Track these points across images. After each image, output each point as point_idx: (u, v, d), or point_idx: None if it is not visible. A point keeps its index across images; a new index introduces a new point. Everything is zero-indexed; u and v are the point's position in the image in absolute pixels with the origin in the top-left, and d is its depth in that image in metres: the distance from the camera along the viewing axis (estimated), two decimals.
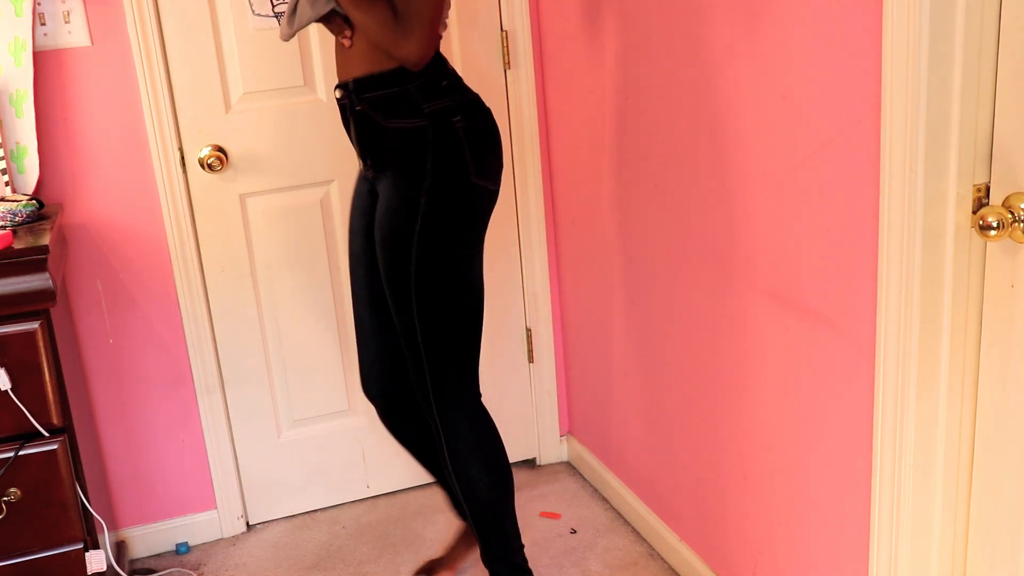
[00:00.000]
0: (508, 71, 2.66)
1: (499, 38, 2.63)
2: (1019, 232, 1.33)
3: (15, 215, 2.07)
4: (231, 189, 2.51)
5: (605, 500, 2.71)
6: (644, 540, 2.50)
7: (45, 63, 2.29)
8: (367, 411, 2.64)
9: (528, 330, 2.85)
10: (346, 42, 1.87)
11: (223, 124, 2.47)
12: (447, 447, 1.97)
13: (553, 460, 2.95)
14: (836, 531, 1.73)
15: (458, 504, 2.21)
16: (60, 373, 1.93)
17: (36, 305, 1.87)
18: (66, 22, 2.29)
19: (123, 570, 2.37)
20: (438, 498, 2.76)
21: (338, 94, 1.94)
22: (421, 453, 2.19)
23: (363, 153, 1.96)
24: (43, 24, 2.27)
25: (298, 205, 2.56)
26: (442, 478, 2.22)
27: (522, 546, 2.11)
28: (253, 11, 2.43)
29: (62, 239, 2.21)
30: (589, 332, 2.67)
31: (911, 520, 1.53)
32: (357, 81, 1.88)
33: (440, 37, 1.86)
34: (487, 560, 2.10)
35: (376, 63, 1.85)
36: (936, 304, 1.44)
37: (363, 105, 1.88)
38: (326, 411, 2.73)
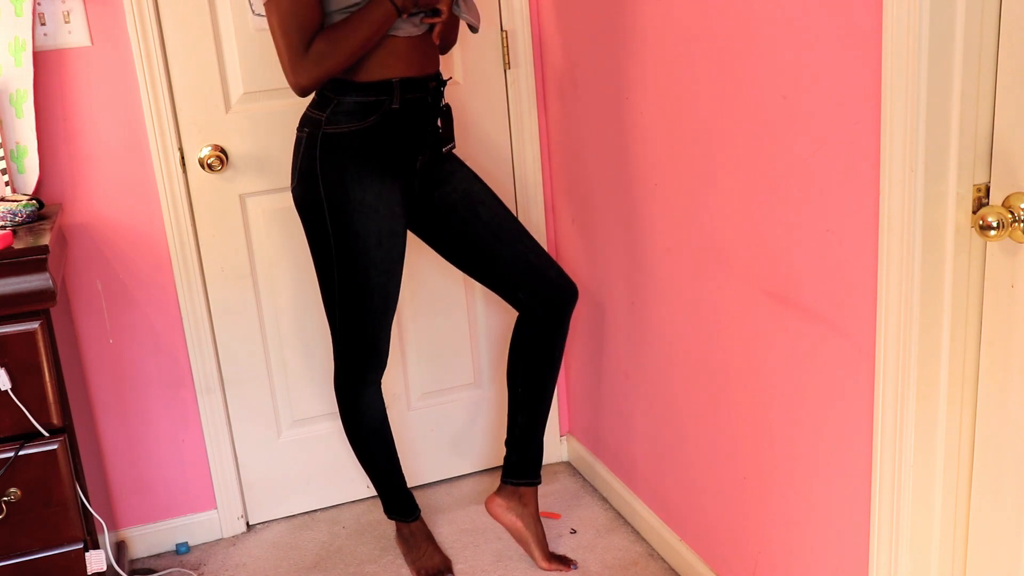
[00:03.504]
0: (508, 71, 2.66)
1: (499, 38, 2.63)
2: (1019, 232, 1.33)
3: (15, 215, 2.07)
4: (231, 189, 2.51)
5: (605, 500, 2.71)
6: (644, 540, 2.50)
7: (45, 63, 2.29)
8: None
9: None
10: (436, 39, 2.06)
11: (223, 124, 2.47)
12: (564, 335, 2.31)
13: (553, 460, 2.95)
14: (836, 531, 1.73)
15: (528, 402, 2.37)
16: (60, 373, 1.93)
17: (36, 305, 1.87)
18: (66, 22, 2.29)
19: (123, 570, 2.37)
20: (438, 498, 2.77)
21: (432, 85, 2.11)
22: (386, 423, 2.37)
23: (444, 138, 2.17)
24: (43, 24, 2.27)
25: None
26: (393, 447, 2.40)
27: None
28: (253, 11, 2.43)
29: (62, 239, 2.21)
30: (589, 332, 2.67)
31: (911, 520, 1.53)
32: (438, 73, 2.15)
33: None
34: (540, 433, 2.39)
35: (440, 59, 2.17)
36: (936, 304, 1.44)
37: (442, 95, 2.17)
38: (326, 411, 2.72)
